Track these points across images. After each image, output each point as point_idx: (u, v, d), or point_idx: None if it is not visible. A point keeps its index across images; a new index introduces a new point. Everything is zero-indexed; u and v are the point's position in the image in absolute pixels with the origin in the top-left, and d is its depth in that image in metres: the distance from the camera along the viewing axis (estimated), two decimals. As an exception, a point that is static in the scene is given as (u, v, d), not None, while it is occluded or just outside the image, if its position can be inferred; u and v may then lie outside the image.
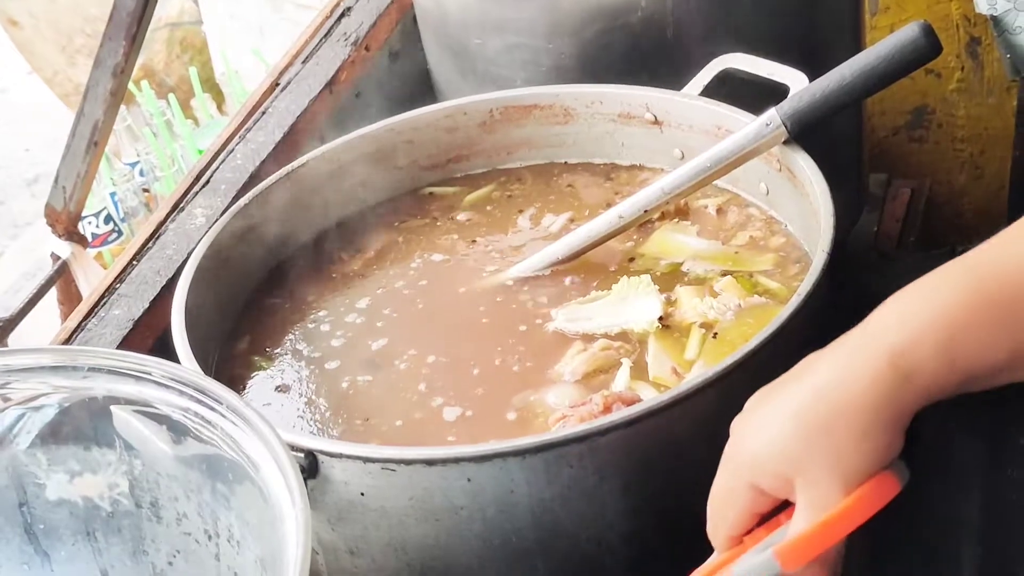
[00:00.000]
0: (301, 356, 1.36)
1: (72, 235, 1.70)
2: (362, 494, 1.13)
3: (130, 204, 2.36)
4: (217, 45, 2.78)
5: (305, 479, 1.13)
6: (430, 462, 1.10)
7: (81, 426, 0.99)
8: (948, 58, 2.18)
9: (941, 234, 2.27)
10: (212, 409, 0.92)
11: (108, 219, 2.35)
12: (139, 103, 2.51)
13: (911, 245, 2.07)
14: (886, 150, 2.35)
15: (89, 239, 2.21)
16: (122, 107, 2.39)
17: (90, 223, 2.32)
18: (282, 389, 1.33)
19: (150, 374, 0.95)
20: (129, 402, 0.97)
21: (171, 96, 2.45)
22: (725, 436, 1.14)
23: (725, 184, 1.44)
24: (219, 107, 2.65)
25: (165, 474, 0.98)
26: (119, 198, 2.36)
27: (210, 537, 0.97)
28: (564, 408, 1.21)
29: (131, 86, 2.44)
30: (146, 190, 2.40)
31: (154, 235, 1.49)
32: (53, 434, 0.99)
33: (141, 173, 2.41)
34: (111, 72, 1.50)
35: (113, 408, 1.01)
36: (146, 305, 1.39)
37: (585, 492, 1.12)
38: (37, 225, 3.43)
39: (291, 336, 1.39)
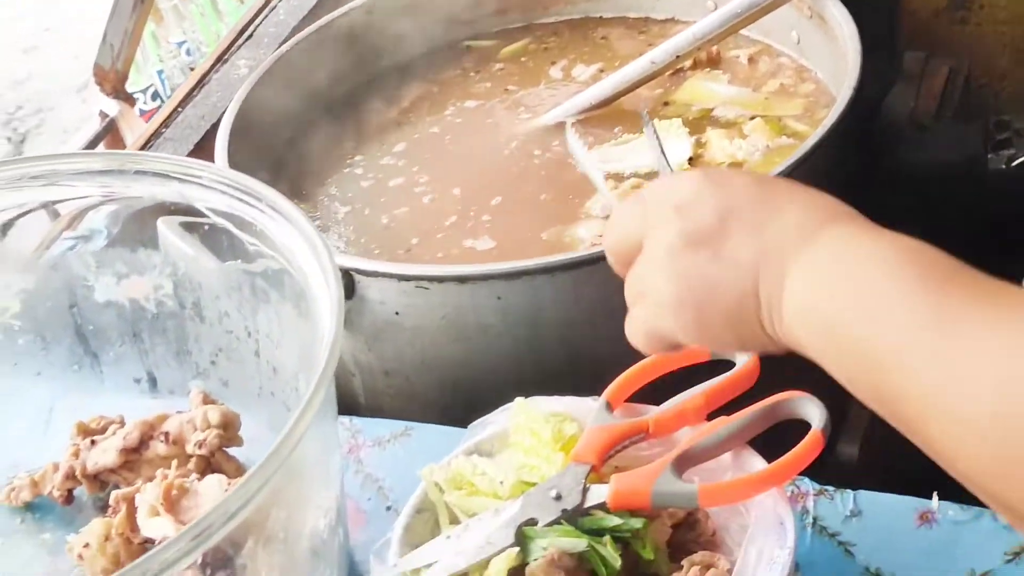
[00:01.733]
0: (339, 197, 1.40)
1: (119, 93, 1.74)
2: (397, 313, 1.17)
3: (177, 81, 2.41)
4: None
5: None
6: (462, 279, 1.14)
7: (128, 229, 1.03)
8: (992, -63, 2.18)
9: (978, 111, 2.27)
10: (252, 206, 0.96)
11: (155, 96, 2.40)
12: (186, -17, 2.54)
13: (948, 120, 2.08)
14: (927, 31, 2.35)
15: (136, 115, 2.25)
16: (168, -15, 2.44)
17: (138, 99, 2.37)
18: (322, 228, 1.37)
19: (193, 176, 0.99)
20: (174, 206, 1.00)
21: (217, -25, 2.48)
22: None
23: (757, 35, 1.47)
24: (264, -14, 2.68)
25: (207, 274, 1.02)
26: (166, 75, 2.41)
27: (249, 334, 1.02)
28: (594, 238, 1.25)
29: (178, -33, 2.48)
30: (192, 68, 2.44)
31: (199, 84, 1.53)
32: (95, 230, 1.03)
33: (188, 52, 2.46)
34: (157, -75, 1.53)
35: (159, 225, 1.06)
36: (190, 148, 1.43)
37: (611, 313, 1.14)
38: (85, 130, 3.48)
39: (329, 179, 1.43)
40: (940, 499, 0.95)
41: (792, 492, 0.98)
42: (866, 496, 0.97)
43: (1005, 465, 0.60)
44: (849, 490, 0.98)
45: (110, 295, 1.06)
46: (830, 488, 0.98)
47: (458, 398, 1.20)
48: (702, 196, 0.77)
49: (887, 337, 0.65)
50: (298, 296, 0.94)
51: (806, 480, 0.98)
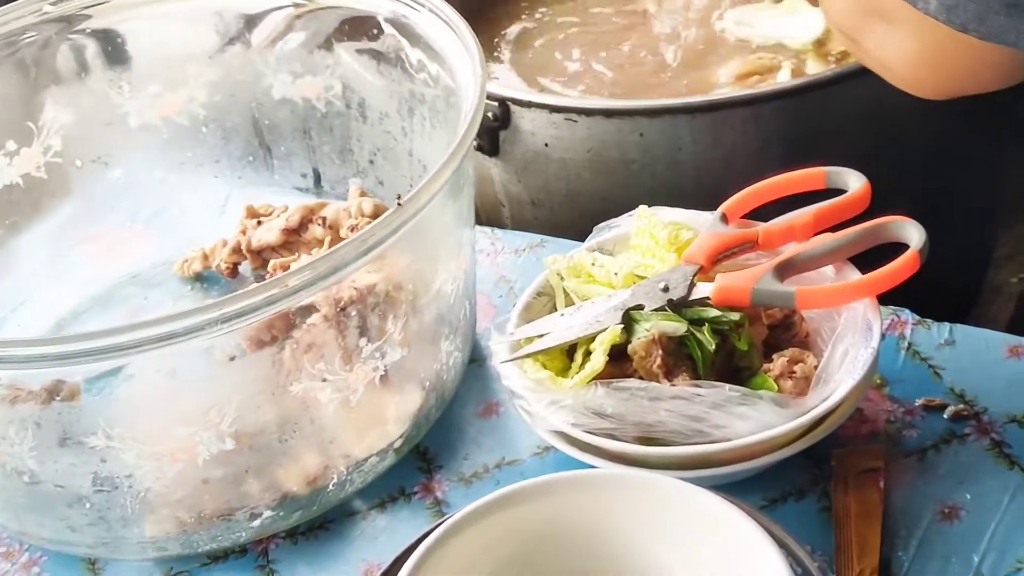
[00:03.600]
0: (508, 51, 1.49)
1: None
2: (546, 145, 1.26)
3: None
4: None
5: (498, 129, 1.27)
6: (608, 113, 1.22)
7: (307, 32, 1.14)
8: None
9: None
10: (416, 10, 1.05)
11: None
12: None
13: None
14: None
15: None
16: None
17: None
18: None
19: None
20: (350, 14, 1.11)
21: None
22: (883, 122, 1.23)
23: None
24: None
25: (373, 76, 1.12)
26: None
27: (405, 134, 1.12)
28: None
29: None
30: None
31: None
32: (281, 37, 1.14)
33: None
34: None
35: (338, 49, 1.16)
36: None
37: (747, 156, 1.22)
38: None
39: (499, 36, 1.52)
40: (1034, 340, 1.01)
41: (892, 320, 1.04)
42: (962, 329, 1.03)
43: None
44: (947, 322, 1.03)
45: (285, 92, 1.16)
46: (929, 320, 1.04)
47: (598, 230, 1.29)
48: None
49: None
50: (449, 94, 1.03)
51: (907, 311, 1.04)
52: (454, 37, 1.01)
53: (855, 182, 1.01)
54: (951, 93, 0.91)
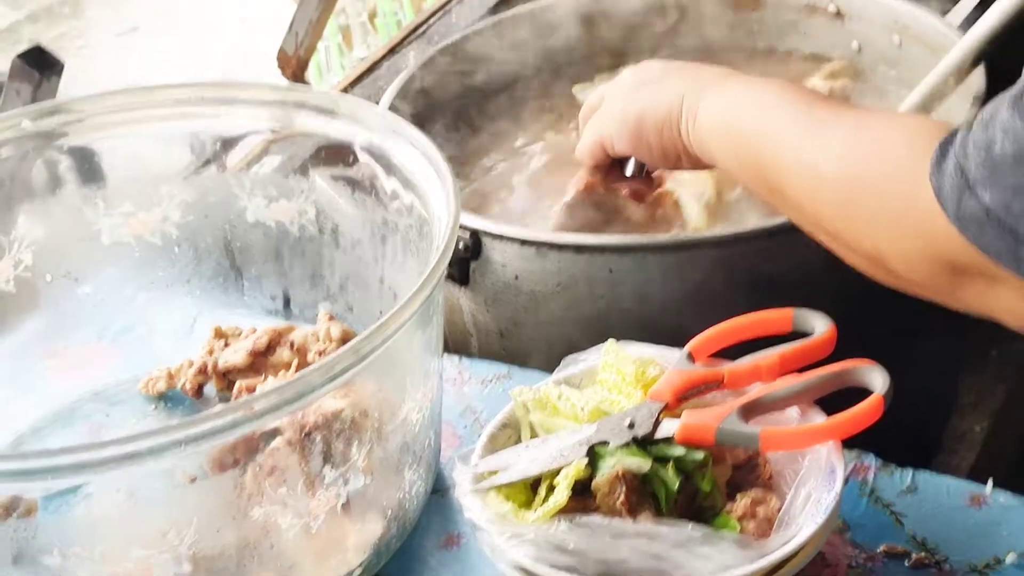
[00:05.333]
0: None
1: (298, 78, 1.88)
2: (516, 277, 1.26)
3: (357, 92, 2.55)
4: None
5: (468, 259, 1.28)
6: (579, 249, 1.23)
7: (280, 154, 1.15)
8: None
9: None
10: (391, 140, 1.06)
11: (335, 103, 2.55)
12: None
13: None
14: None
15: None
16: (359, 2, 2.61)
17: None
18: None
19: (344, 112, 1.10)
20: (328, 140, 1.12)
21: (404, -7, 2.63)
22: (850, 266, 1.24)
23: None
24: (448, 10, 2.82)
25: (347, 203, 1.13)
26: (348, 87, 2.55)
27: (377, 261, 1.12)
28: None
29: (367, -15, 2.63)
30: (371, 80, 2.58)
31: (369, 70, 1.66)
32: (257, 160, 1.15)
33: (369, 66, 2.60)
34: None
35: (314, 174, 1.17)
36: (353, 122, 1.55)
37: (714, 294, 1.23)
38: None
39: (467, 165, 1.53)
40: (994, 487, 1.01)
41: (855, 464, 1.04)
42: (924, 476, 1.03)
43: (841, 207, 0.94)
44: (910, 468, 1.03)
45: (259, 216, 1.17)
46: (892, 465, 1.04)
47: (566, 364, 1.29)
48: (651, 65, 1.21)
49: (771, 127, 1.00)
50: (422, 224, 1.04)
51: (871, 455, 1.05)
52: (429, 168, 1.02)
53: (821, 325, 1.02)
54: None
